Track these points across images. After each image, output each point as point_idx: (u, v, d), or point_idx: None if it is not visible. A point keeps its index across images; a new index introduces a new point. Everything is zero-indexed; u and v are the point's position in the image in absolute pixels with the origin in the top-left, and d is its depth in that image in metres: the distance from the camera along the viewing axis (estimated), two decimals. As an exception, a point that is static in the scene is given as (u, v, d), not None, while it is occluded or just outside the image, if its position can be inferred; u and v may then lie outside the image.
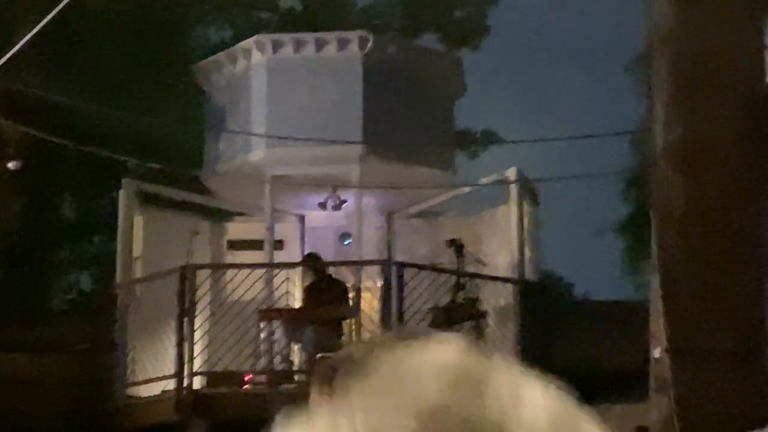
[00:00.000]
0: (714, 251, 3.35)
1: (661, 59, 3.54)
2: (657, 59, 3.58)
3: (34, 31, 9.31)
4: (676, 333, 3.31)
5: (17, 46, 9.59)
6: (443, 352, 1.07)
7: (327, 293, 12.26)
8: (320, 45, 13.70)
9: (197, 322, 12.05)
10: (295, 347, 12.44)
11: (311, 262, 12.65)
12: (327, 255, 13.55)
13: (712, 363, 3.29)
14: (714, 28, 3.49)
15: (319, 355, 12.07)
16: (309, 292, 12.51)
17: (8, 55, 9.70)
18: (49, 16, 9.10)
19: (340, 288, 12.43)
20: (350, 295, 12.48)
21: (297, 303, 12.64)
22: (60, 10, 8.96)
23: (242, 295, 12.06)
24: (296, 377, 12.49)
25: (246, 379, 12.27)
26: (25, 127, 13.91)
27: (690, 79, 3.52)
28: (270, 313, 12.32)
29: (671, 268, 3.34)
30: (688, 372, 3.31)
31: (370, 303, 12.40)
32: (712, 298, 3.32)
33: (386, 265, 12.44)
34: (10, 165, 15.54)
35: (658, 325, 3.66)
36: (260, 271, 12.64)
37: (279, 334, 12.20)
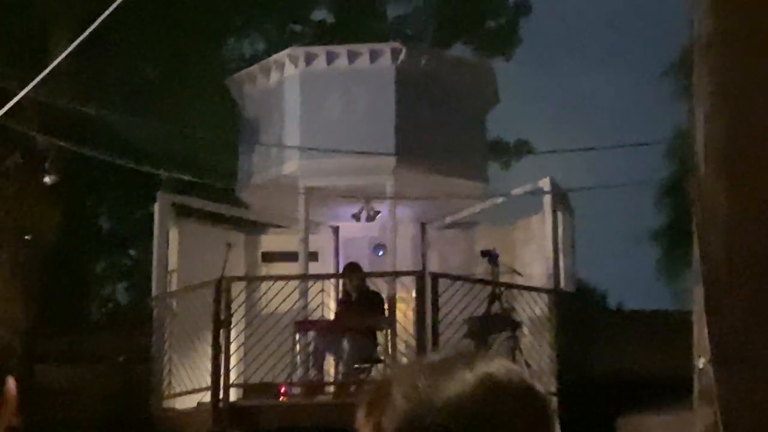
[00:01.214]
0: (760, 257, 3.32)
1: (703, 64, 3.52)
2: (698, 64, 3.56)
3: (71, 47, 9.39)
4: (721, 342, 3.28)
5: (54, 62, 9.67)
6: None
7: (364, 304, 12.27)
8: (353, 57, 13.73)
9: (233, 334, 12.08)
10: (330, 358, 12.45)
11: (352, 272, 12.65)
12: (361, 266, 13.56)
13: (758, 372, 3.26)
14: (758, 32, 3.47)
15: (355, 366, 12.09)
16: (345, 303, 12.52)
17: (46, 71, 9.78)
18: (85, 34, 9.17)
19: (378, 299, 12.44)
20: (385, 306, 12.48)
21: (332, 314, 12.65)
22: (96, 26, 9.03)
23: (277, 306, 12.08)
24: (331, 389, 12.50)
25: (281, 390, 12.29)
26: (61, 141, 14.03)
27: (733, 84, 3.50)
28: (305, 324, 12.34)
29: (715, 275, 3.32)
30: (734, 381, 3.28)
31: (404, 314, 12.38)
32: (758, 306, 3.29)
33: (420, 275, 12.42)
34: (47, 179, 15.67)
35: (701, 335, 3.62)
36: (295, 283, 12.66)
37: (314, 345, 12.21)
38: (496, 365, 1.34)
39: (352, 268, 12.76)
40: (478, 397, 1.29)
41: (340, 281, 13.44)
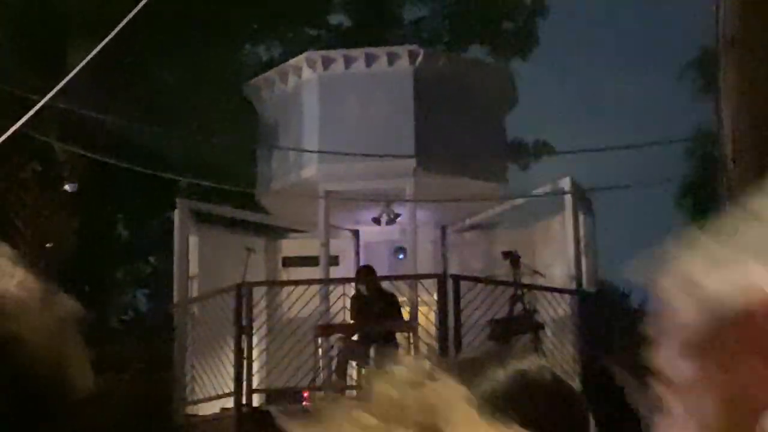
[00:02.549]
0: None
1: (729, 61, 3.48)
2: (724, 61, 3.52)
3: (90, 56, 9.40)
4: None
5: (73, 72, 9.68)
6: None
7: (377, 305, 12.22)
8: (370, 60, 13.71)
9: (254, 339, 12.07)
10: (352, 363, 12.42)
11: (366, 275, 12.63)
12: (382, 269, 13.54)
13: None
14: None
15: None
16: (358, 304, 12.46)
17: (64, 81, 9.80)
18: (103, 42, 9.19)
19: (392, 299, 12.40)
20: (402, 307, 12.43)
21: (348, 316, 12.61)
22: (114, 34, 9.04)
23: (299, 311, 12.07)
24: (355, 393, 12.46)
25: (304, 395, 12.27)
26: (80, 149, 14.06)
27: (760, 80, 3.46)
28: (327, 328, 12.31)
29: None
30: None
31: (426, 316, 12.35)
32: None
33: (442, 278, 12.38)
34: (67, 187, 15.71)
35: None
36: (316, 287, 12.64)
37: (338, 352, 12.15)
38: (528, 362, 1.32)
39: (367, 272, 12.73)
40: (512, 394, 1.27)
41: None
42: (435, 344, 11.96)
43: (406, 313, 12.50)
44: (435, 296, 12.21)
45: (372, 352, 11.82)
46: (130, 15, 8.90)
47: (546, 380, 1.31)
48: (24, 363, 0.98)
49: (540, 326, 12.17)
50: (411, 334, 12.22)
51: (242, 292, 12.07)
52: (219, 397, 12.18)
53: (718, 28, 3.52)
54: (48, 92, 10.03)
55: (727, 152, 3.34)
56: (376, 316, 12.10)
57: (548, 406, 1.29)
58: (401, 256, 14.20)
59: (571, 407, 1.31)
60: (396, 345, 12.19)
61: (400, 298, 12.59)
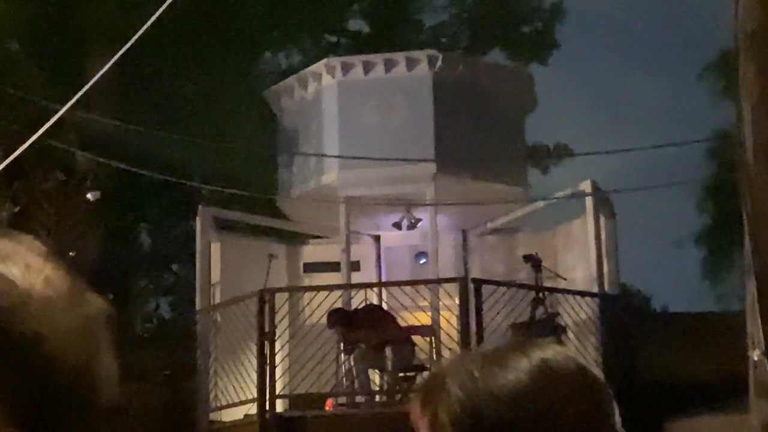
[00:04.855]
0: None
1: (749, 58, 3.47)
2: (743, 59, 3.51)
3: (109, 64, 9.45)
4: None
5: (93, 80, 9.73)
6: None
7: (366, 320, 12.16)
8: (389, 65, 13.73)
9: (277, 345, 12.10)
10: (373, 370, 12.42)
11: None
12: (403, 274, 13.55)
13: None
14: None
15: (400, 374, 12.07)
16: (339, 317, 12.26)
17: (84, 89, 9.85)
18: (123, 50, 9.23)
19: (379, 312, 12.39)
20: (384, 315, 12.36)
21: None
22: (133, 41, 9.09)
23: (321, 317, 12.09)
24: (377, 398, 12.47)
25: (328, 400, 12.28)
26: (101, 157, 14.13)
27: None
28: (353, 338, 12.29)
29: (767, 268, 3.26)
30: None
31: (448, 321, 12.35)
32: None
33: (463, 282, 12.38)
34: (89, 196, 15.79)
35: (755, 327, 3.57)
36: (338, 293, 12.66)
37: (355, 367, 12.10)
38: (552, 351, 1.33)
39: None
40: (536, 383, 1.28)
41: (383, 290, 13.43)
42: (457, 348, 11.95)
43: (402, 321, 12.42)
44: (456, 300, 12.20)
45: (392, 355, 11.82)
46: (148, 23, 8.95)
47: (570, 369, 1.31)
48: (46, 364, 0.94)
49: (562, 330, 12.15)
50: (432, 339, 12.22)
51: (264, 298, 12.10)
52: (242, 403, 12.20)
53: (736, 26, 3.50)
54: (69, 102, 10.08)
55: (747, 150, 3.32)
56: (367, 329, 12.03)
57: (573, 395, 1.29)
58: (422, 261, 14.21)
59: (596, 396, 1.32)
60: (412, 345, 12.18)
61: (421, 303, 12.58)
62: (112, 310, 1.02)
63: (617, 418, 1.33)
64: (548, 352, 1.32)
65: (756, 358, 3.69)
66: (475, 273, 13.69)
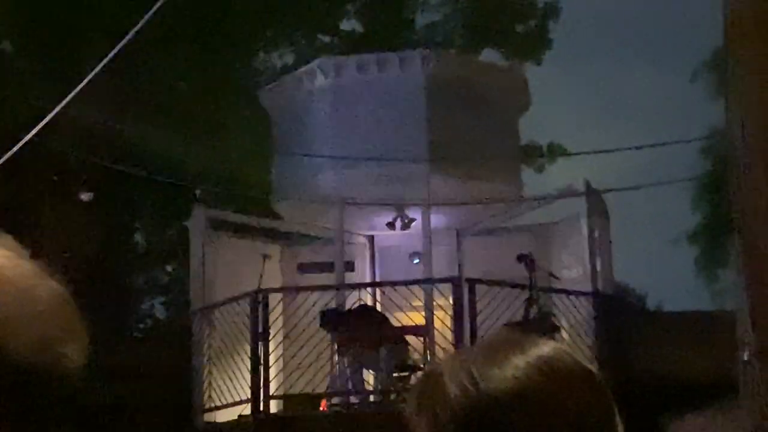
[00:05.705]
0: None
1: (739, 54, 3.47)
2: (734, 55, 3.50)
3: (102, 63, 9.43)
4: (765, 335, 3.23)
5: (86, 79, 9.71)
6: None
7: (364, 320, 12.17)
8: (383, 65, 13.72)
9: (271, 345, 12.09)
10: (367, 370, 12.42)
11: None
12: (397, 274, 13.54)
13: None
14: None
15: (394, 374, 12.08)
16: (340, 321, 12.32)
17: (78, 89, 9.83)
18: (116, 49, 9.22)
19: (374, 313, 12.41)
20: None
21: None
22: (126, 41, 9.08)
23: (315, 317, 12.08)
24: (371, 398, 12.47)
25: (322, 401, 12.28)
26: (95, 158, 14.11)
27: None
28: (348, 340, 12.30)
29: (758, 269, 3.26)
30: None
31: (442, 320, 12.35)
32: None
33: (457, 282, 12.38)
34: (83, 196, 15.78)
35: (746, 328, 3.57)
36: (332, 293, 12.66)
37: (349, 366, 12.11)
38: (548, 348, 1.33)
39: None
40: (534, 380, 1.28)
41: (377, 290, 13.43)
42: (451, 348, 11.95)
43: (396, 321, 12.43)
44: (450, 300, 12.21)
45: (386, 354, 11.82)
46: (142, 22, 8.93)
47: (568, 365, 1.31)
48: (3, 347, 0.95)
49: (556, 329, 12.15)
50: (426, 338, 12.22)
51: (258, 299, 12.09)
52: (236, 403, 12.19)
53: (726, 22, 3.50)
54: (62, 101, 10.06)
55: (739, 147, 3.32)
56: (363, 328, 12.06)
57: (572, 391, 1.29)
58: (416, 261, 14.21)
59: (594, 391, 1.31)
60: (406, 345, 12.18)
61: (415, 303, 12.59)
62: (68, 294, 1.02)
63: (616, 413, 1.32)
64: (545, 348, 1.32)
65: (746, 359, 3.69)
66: (469, 272, 13.68)
